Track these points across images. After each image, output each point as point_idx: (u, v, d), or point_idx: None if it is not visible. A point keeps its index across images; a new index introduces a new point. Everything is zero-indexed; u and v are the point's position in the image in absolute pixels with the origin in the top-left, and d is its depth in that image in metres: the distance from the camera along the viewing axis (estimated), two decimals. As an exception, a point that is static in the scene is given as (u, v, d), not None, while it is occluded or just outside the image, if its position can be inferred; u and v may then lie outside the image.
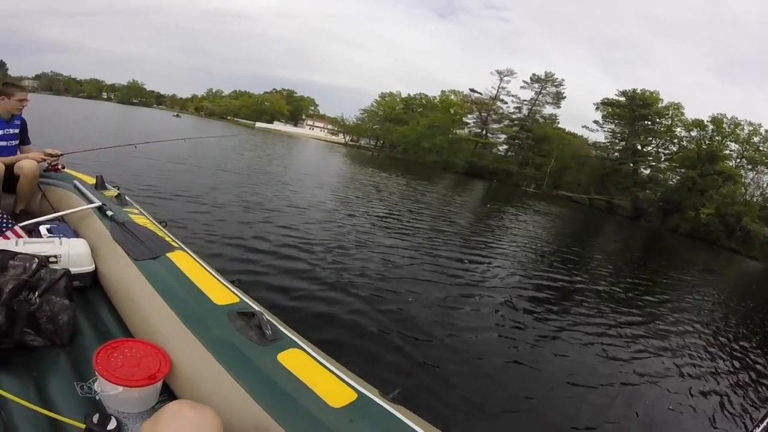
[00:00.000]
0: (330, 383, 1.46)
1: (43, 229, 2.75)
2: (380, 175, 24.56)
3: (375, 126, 77.68)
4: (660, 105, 48.41)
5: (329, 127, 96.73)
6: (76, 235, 2.77)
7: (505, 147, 64.99)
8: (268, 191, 11.38)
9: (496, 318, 5.43)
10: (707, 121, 45.10)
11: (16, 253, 1.96)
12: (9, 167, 3.23)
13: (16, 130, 3.49)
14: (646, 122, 49.23)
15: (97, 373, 1.54)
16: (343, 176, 21.23)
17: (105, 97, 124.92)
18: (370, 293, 5.18)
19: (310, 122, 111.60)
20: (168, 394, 1.67)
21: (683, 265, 16.65)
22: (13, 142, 3.48)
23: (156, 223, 3.02)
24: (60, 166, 3.72)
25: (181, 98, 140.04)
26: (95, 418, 1.42)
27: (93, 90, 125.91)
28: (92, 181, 3.61)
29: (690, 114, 47.32)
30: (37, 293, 1.85)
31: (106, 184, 3.60)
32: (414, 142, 62.10)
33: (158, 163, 11.87)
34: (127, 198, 3.39)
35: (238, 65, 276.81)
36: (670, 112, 48.01)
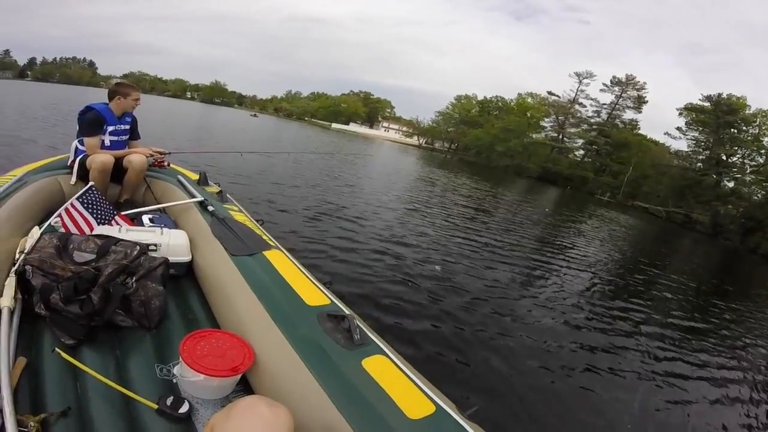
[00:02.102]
0: (410, 394, 1.43)
1: (145, 218, 2.92)
2: (466, 181, 24.55)
3: (450, 128, 77.62)
4: (747, 112, 44.82)
5: (404, 129, 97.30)
6: (177, 226, 2.90)
7: (582, 152, 62.88)
8: (353, 195, 11.59)
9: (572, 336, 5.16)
10: (797, 129, 40.94)
11: (119, 240, 2.07)
12: (118, 160, 3.46)
13: (127, 127, 3.72)
14: (731, 130, 45.69)
15: (181, 359, 1.58)
16: (427, 181, 21.18)
17: (189, 96, 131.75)
18: (457, 306, 5.10)
19: (385, 124, 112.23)
20: (244, 385, 1.71)
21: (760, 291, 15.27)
22: (124, 137, 3.70)
23: (254, 221, 3.09)
24: (166, 164, 3.95)
25: (261, 99, 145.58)
26: (169, 400, 1.50)
27: (177, 89, 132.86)
28: (195, 177, 3.79)
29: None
30: (134, 278, 1.95)
31: (209, 181, 3.77)
32: (487, 145, 61.51)
33: (255, 164, 12.36)
34: (227, 195, 3.52)
35: (317, 68, 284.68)
36: (758, 119, 44.30)
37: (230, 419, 1.15)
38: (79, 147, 3.47)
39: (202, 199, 3.10)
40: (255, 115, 79.70)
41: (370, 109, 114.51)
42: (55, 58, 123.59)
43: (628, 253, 14.64)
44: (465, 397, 3.21)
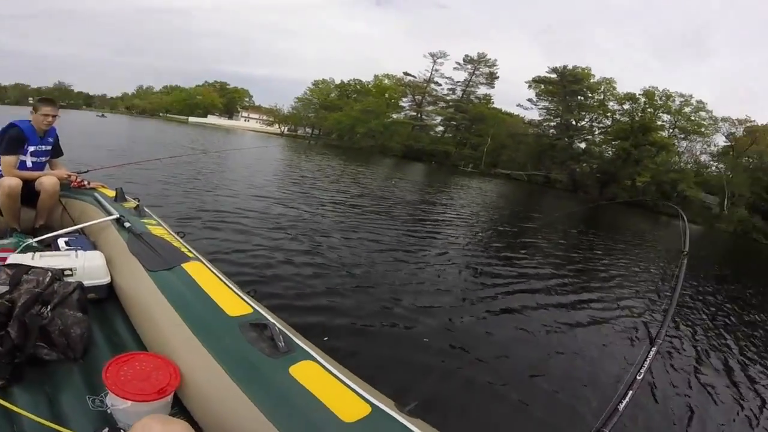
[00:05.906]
0: (343, 396, 1.40)
1: (61, 242, 2.73)
2: (331, 163, 24.69)
3: (310, 114, 76.86)
4: (592, 80, 49.31)
5: (264, 117, 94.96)
6: (95, 247, 2.75)
7: (442, 129, 65.62)
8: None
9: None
10: (639, 94, 46.53)
11: (30, 267, 1.93)
12: (31, 183, 3.20)
13: (50, 147, 3.50)
14: (578, 97, 50.08)
15: (107, 387, 1.50)
16: (294, 169, 21.01)
17: (31, 101, 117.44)
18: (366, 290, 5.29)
19: (245, 114, 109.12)
20: (179, 407, 1.63)
21: (625, 232, 17.23)
22: (44, 159, 3.48)
23: (173, 233, 2.92)
24: (86, 183, 3.69)
25: (111, 98, 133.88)
26: None
27: (18, 95, 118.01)
28: (112, 193, 3.58)
29: (627, 90, 48.65)
30: (49, 307, 1.81)
31: (126, 196, 3.55)
32: (348, 127, 62.27)
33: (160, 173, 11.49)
34: (145, 209, 3.32)
35: (169, 60, 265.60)
36: (602, 87, 49.15)
37: None
38: None
39: (119, 215, 2.92)
40: (103, 116, 73.07)
41: (227, 100, 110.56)
42: None
43: (499, 214, 15.57)
44: (404, 392, 3.03)
